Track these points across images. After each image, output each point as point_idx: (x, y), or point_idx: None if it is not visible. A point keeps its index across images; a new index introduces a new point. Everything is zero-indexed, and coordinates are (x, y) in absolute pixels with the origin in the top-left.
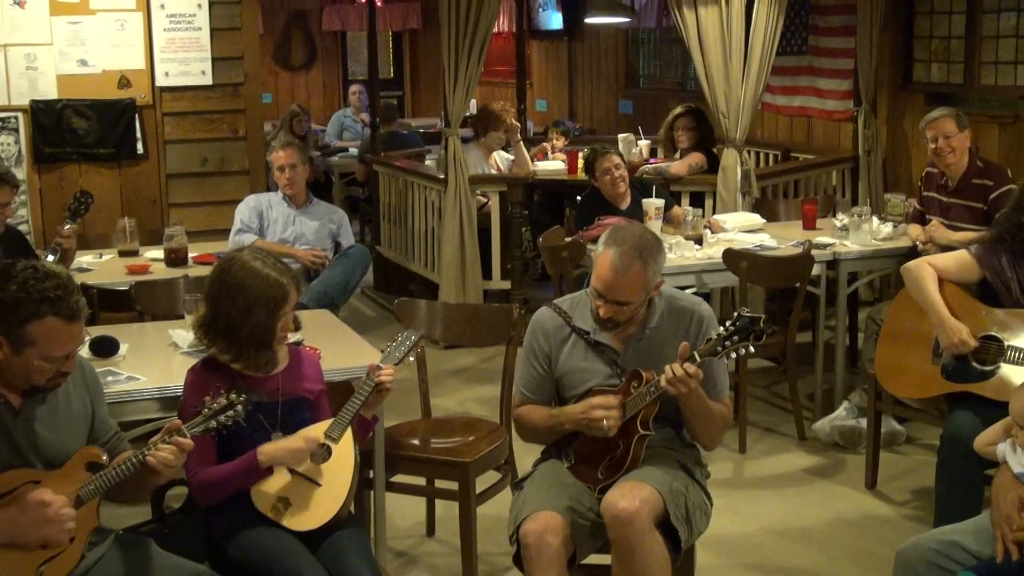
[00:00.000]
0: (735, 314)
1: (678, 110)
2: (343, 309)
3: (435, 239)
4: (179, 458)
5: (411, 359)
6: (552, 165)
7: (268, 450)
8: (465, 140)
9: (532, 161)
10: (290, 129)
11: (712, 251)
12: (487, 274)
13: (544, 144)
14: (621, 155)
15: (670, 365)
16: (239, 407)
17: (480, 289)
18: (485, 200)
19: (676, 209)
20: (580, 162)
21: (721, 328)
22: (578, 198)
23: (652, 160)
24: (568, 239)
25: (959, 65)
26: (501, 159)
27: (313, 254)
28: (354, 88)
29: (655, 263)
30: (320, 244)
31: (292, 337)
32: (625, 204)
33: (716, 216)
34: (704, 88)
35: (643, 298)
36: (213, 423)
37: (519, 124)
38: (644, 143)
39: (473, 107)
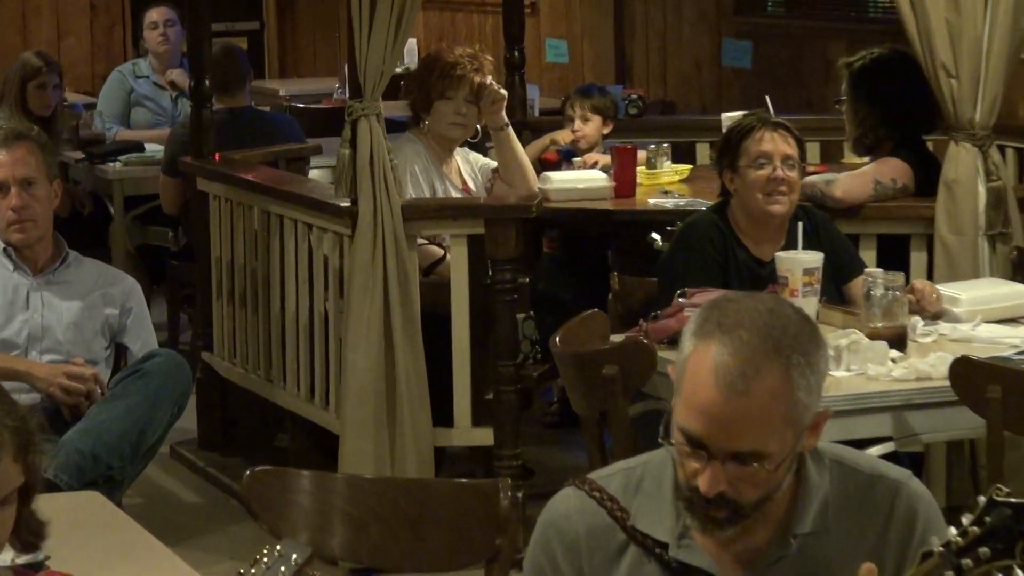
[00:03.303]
0: (982, 499)
1: (877, 52)
2: (132, 489)
3: (332, 338)
4: None
5: None
6: (580, 178)
7: None
8: (395, 125)
9: (539, 169)
10: (21, 104)
11: (927, 363)
12: (442, 414)
13: (558, 135)
14: (796, 135)
15: None
16: None
17: (428, 445)
18: (440, 253)
19: (855, 280)
20: (642, 172)
21: (952, 530)
22: (653, 239)
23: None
24: (618, 337)
25: None
26: (471, 166)
27: (68, 372)
28: (155, 15)
29: (812, 368)
30: (83, 350)
31: (21, 557)
32: (773, 253)
33: (939, 287)
34: (906, 17)
35: (789, 448)
36: None
37: (504, 91)
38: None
39: (411, 56)
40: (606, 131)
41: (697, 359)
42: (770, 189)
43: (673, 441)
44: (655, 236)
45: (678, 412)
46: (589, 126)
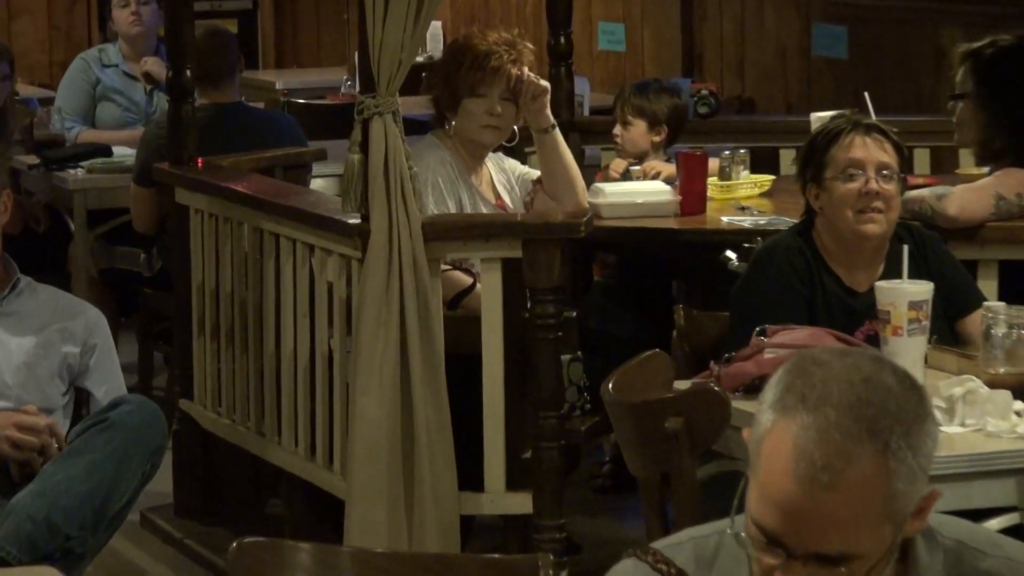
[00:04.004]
0: None
1: (1004, 40)
2: (95, 564)
3: (338, 383)
4: None
5: None
6: (639, 190)
7: None
8: (415, 126)
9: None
10: None
11: None
12: (470, 475)
13: (612, 168)
14: (895, 139)
15: None
16: None
17: (453, 512)
18: (469, 281)
19: (972, 315)
20: (714, 183)
21: None
22: (727, 259)
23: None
24: (684, 383)
25: None
26: (506, 176)
27: (18, 422)
28: None
29: (915, 450)
30: (36, 396)
31: None
32: (868, 282)
33: None
34: None
35: (886, 545)
36: None
37: (548, 85)
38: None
39: (435, 42)
40: (656, 139)
41: (775, 440)
42: (862, 205)
43: (745, 533)
44: (730, 255)
45: (752, 499)
46: (631, 132)
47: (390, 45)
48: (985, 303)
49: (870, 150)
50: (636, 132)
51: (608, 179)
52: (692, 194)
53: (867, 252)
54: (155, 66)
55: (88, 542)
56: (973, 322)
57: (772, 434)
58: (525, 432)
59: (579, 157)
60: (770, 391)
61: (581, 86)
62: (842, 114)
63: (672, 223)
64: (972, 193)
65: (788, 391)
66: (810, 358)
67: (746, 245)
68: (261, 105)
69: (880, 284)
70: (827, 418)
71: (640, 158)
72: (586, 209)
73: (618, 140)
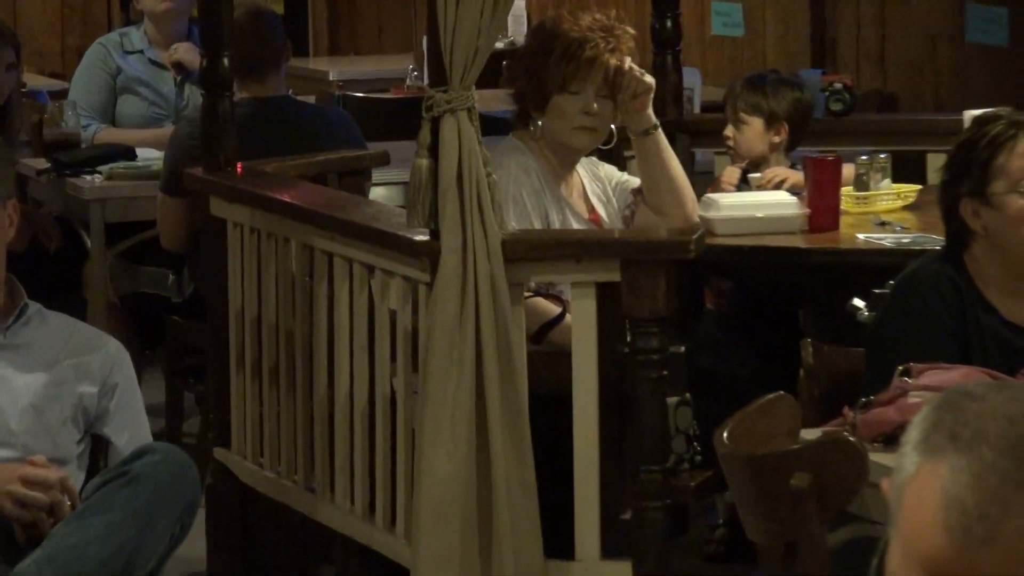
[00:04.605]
0: None
1: None
2: None
3: (401, 429)
4: None
5: None
6: (760, 202)
7: None
8: (494, 125)
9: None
10: None
11: None
12: (559, 540)
13: (723, 180)
14: None
15: None
16: None
17: None
18: (557, 310)
19: None
20: (849, 194)
21: None
22: (856, 308)
23: None
24: (813, 432)
25: None
26: (602, 185)
27: (24, 476)
28: None
29: None
30: (46, 444)
31: None
32: None
33: None
34: None
35: None
36: None
37: (652, 79)
38: None
39: (518, 26)
40: (775, 139)
41: (920, 487)
42: None
43: None
44: (858, 303)
45: (894, 558)
46: (745, 133)
47: (465, 29)
48: None
49: None
50: (751, 133)
51: (720, 191)
52: (823, 207)
53: None
54: (187, 53)
55: None
56: None
57: (917, 479)
58: (624, 490)
59: (688, 162)
60: (914, 430)
61: (691, 78)
62: (999, 114)
63: (799, 241)
64: None
65: (936, 429)
66: (962, 391)
67: (877, 291)
68: (312, 100)
69: None
70: (983, 459)
71: (756, 163)
72: (696, 224)
73: (730, 143)
